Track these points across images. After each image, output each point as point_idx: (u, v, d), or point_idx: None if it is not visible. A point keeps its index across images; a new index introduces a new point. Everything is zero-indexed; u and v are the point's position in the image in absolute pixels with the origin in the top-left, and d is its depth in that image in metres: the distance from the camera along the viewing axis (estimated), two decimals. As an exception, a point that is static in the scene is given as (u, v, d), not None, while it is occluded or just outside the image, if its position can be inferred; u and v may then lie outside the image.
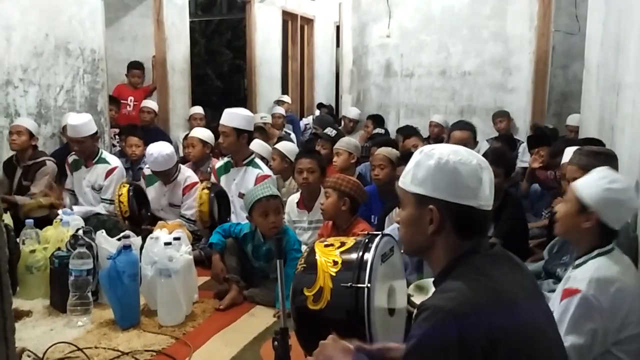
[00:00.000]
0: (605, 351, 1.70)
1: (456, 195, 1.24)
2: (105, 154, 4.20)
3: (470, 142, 4.00)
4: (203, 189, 3.57)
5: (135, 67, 6.11)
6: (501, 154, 3.37)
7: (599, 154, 2.49)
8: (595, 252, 1.79)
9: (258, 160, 3.86)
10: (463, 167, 1.25)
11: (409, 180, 1.30)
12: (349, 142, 4.27)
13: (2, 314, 0.94)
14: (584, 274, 1.73)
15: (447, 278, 1.23)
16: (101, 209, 3.97)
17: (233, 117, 3.76)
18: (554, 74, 6.61)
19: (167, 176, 3.91)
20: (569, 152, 3.00)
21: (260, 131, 5.64)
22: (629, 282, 1.75)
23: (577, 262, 1.84)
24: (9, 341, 0.94)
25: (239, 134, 3.73)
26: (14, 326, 0.98)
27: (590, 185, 1.81)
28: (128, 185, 3.71)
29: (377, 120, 6.50)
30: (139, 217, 3.69)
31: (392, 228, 2.89)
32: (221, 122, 3.77)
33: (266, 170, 3.80)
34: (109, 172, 4.05)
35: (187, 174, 4.02)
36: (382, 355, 1.48)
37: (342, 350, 1.38)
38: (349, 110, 6.99)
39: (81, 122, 3.96)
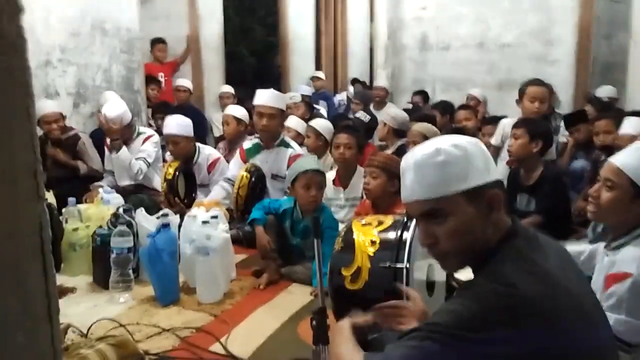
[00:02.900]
0: None
1: (492, 171, 1.24)
2: (142, 129, 4.30)
3: (546, 99, 3.68)
4: (246, 170, 3.53)
5: (159, 41, 6.15)
6: (534, 122, 3.26)
7: None
8: (637, 233, 1.70)
9: (288, 139, 3.84)
10: (473, 147, 1.23)
11: (445, 184, 1.18)
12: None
13: (47, 294, 0.94)
14: (631, 257, 1.65)
15: (491, 262, 1.19)
16: (137, 166, 4.00)
17: (279, 99, 3.70)
18: (598, 44, 6.35)
19: (185, 157, 3.88)
20: (629, 122, 2.87)
21: (307, 106, 5.73)
22: None
23: (614, 244, 1.76)
24: (53, 320, 0.94)
25: (282, 114, 3.73)
26: (59, 306, 0.98)
27: None
28: (177, 166, 3.71)
29: (423, 95, 6.45)
30: (184, 199, 3.72)
31: None
32: (267, 103, 3.62)
33: (298, 149, 3.77)
34: (146, 139, 4.15)
35: (207, 152, 4.03)
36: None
37: (342, 330, 1.38)
38: (380, 81, 6.97)
39: (116, 114, 3.94)
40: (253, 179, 3.49)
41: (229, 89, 6.37)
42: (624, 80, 5.42)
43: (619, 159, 1.77)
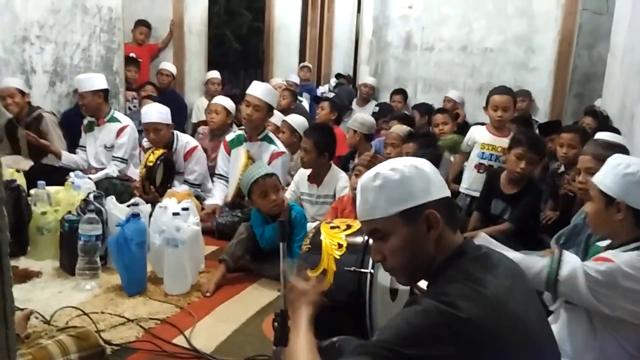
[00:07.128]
0: (610, 337, 1.70)
1: (434, 191, 1.26)
2: (117, 114, 4.21)
3: (510, 108, 3.72)
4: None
5: (143, 24, 6.04)
6: (539, 141, 3.29)
7: (614, 147, 2.45)
8: (633, 246, 1.73)
9: (272, 135, 3.84)
10: (412, 170, 1.27)
11: (383, 206, 1.25)
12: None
13: (3, 295, 0.95)
14: (619, 254, 1.71)
15: (439, 279, 1.22)
16: (113, 168, 3.98)
17: (268, 92, 3.71)
18: (578, 54, 6.42)
19: (165, 145, 3.81)
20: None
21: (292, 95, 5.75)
22: None
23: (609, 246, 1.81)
24: (8, 321, 0.96)
25: (269, 110, 3.72)
26: (14, 308, 0.99)
27: (607, 175, 1.77)
28: (160, 154, 3.70)
29: (402, 95, 6.47)
30: (159, 188, 3.68)
31: None
32: (254, 94, 3.66)
33: (280, 147, 3.77)
34: (120, 130, 4.06)
35: (185, 140, 3.97)
36: None
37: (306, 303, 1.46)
38: (367, 79, 6.94)
39: (88, 76, 4.04)
40: None
41: (216, 74, 6.30)
42: (600, 90, 5.52)
43: (595, 175, 1.85)
